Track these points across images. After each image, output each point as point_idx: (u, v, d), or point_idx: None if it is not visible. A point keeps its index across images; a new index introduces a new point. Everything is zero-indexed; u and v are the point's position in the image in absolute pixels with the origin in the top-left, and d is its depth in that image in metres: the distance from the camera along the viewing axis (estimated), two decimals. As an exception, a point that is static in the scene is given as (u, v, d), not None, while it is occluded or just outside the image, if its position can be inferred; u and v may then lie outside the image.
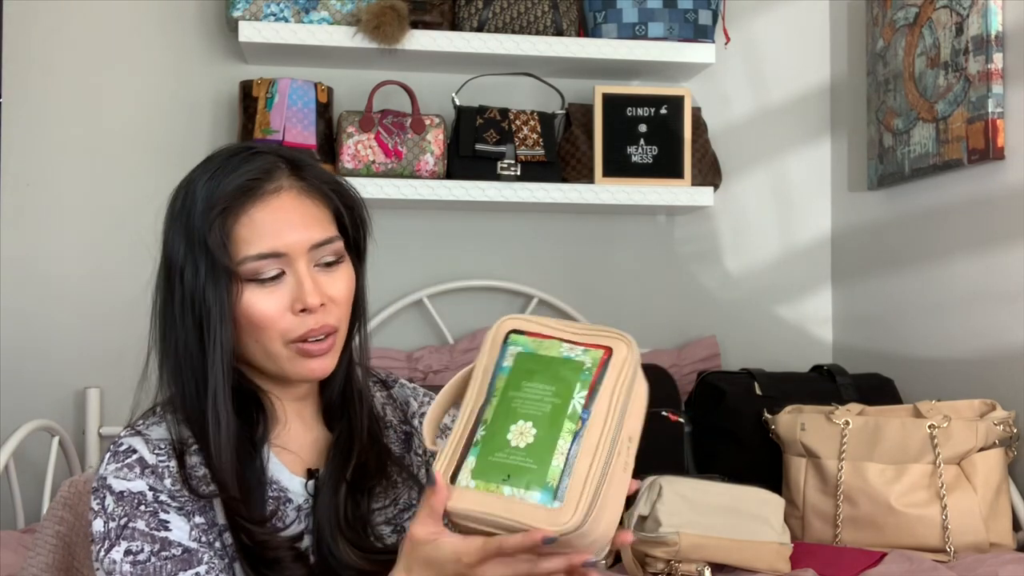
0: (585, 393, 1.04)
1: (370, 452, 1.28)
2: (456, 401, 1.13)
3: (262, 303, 1.20)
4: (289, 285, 1.21)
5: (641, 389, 1.09)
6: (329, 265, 1.23)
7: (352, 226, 1.29)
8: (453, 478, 1.05)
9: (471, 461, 1.04)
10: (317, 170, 1.28)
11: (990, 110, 2.28)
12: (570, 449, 1.02)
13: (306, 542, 1.24)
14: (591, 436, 1.02)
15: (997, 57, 2.27)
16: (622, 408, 1.04)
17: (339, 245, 1.25)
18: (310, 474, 1.26)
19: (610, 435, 1.03)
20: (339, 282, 1.24)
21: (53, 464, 2.34)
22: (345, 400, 1.30)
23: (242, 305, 1.20)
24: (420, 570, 1.07)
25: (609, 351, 1.07)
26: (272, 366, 1.23)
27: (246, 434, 1.23)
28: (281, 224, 1.21)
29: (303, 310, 1.20)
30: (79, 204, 2.63)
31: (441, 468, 1.05)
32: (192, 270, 1.20)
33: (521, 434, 1.04)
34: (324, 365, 1.24)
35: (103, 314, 2.58)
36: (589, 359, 1.07)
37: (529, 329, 1.10)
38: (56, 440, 2.35)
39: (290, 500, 1.25)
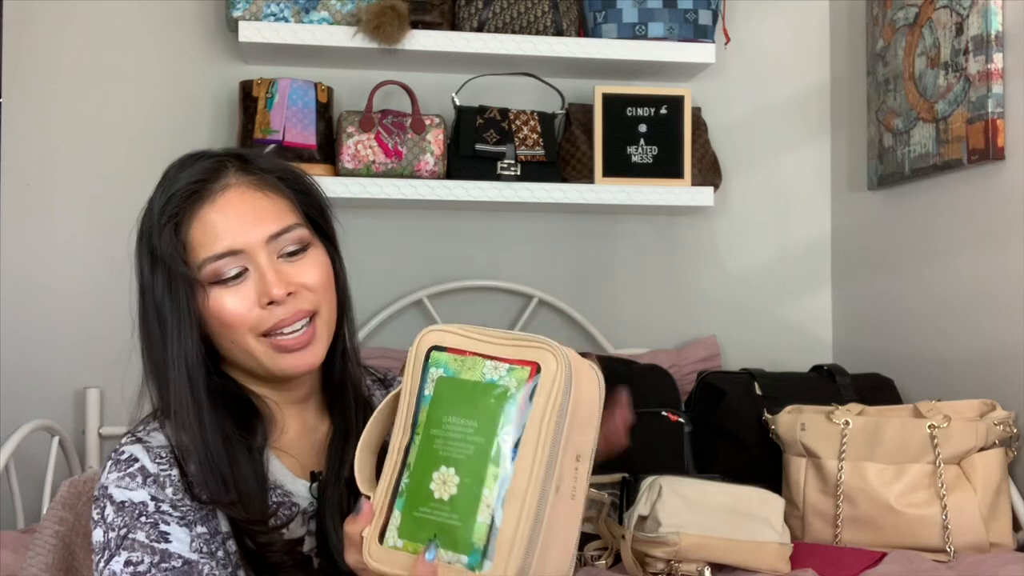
0: (510, 428, 0.97)
1: None
2: (387, 430, 1.07)
3: (228, 302, 1.19)
4: (253, 281, 1.20)
5: (586, 394, 1.00)
6: (294, 254, 1.22)
7: (313, 212, 1.27)
8: (382, 535, 1.00)
9: (396, 516, 0.99)
10: (265, 161, 1.26)
11: (990, 110, 2.28)
12: (495, 499, 0.95)
13: (308, 545, 1.24)
14: (519, 480, 0.95)
15: (997, 57, 2.27)
16: (554, 437, 0.96)
17: (301, 233, 1.23)
18: (313, 477, 1.26)
19: (541, 472, 0.95)
20: (308, 269, 1.22)
21: (53, 464, 2.33)
22: (341, 395, 1.30)
23: (211, 309, 1.19)
24: None
25: (536, 367, 0.98)
26: (254, 364, 1.22)
27: (242, 439, 1.22)
28: (233, 221, 1.20)
29: (271, 303, 1.19)
30: (79, 204, 2.63)
31: (372, 525, 1.00)
32: (156, 284, 1.20)
33: (444, 483, 0.97)
34: (308, 359, 1.22)
35: (103, 314, 2.58)
36: (514, 381, 0.98)
37: (450, 344, 1.03)
38: (56, 440, 2.35)
39: (296, 504, 1.24)
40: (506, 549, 0.94)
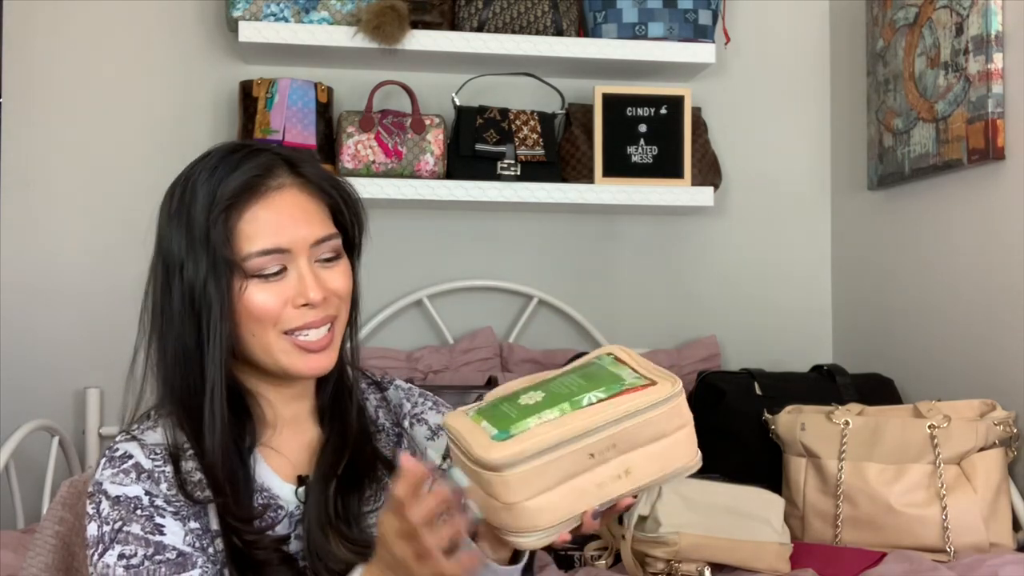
0: (604, 397, 1.09)
1: (361, 452, 1.28)
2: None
3: (262, 297, 1.21)
4: (291, 281, 1.22)
5: (679, 450, 1.12)
6: (329, 261, 1.25)
7: (349, 223, 1.30)
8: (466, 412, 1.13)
9: (484, 403, 1.13)
10: (315, 167, 1.29)
11: (990, 110, 2.28)
12: (549, 419, 1.07)
13: (295, 546, 1.24)
14: (572, 420, 1.06)
15: (997, 57, 2.27)
16: (617, 419, 1.07)
17: (338, 242, 1.26)
18: (300, 481, 1.27)
19: (587, 428, 1.06)
20: (339, 277, 1.25)
21: (53, 464, 2.34)
22: (337, 399, 1.31)
23: (244, 300, 1.21)
24: (379, 547, 1.11)
25: (652, 383, 1.11)
26: (270, 361, 1.23)
27: (238, 435, 1.23)
28: (284, 220, 1.22)
29: (304, 304, 1.21)
30: (79, 204, 2.63)
31: (473, 407, 1.14)
32: (193, 266, 1.20)
33: (530, 398, 1.10)
34: (325, 362, 1.25)
35: (103, 314, 2.58)
36: (630, 378, 1.11)
37: (621, 357, 1.17)
38: (56, 440, 2.35)
39: (281, 507, 1.25)
40: (524, 439, 1.05)
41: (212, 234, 1.20)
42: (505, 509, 1.06)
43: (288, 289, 1.22)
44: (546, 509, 1.07)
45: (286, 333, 1.22)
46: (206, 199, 1.21)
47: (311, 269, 1.22)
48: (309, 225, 1.23)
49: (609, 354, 1.17)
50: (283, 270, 1.22)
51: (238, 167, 1.23)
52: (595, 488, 1.08)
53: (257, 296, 1.21)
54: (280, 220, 1.22)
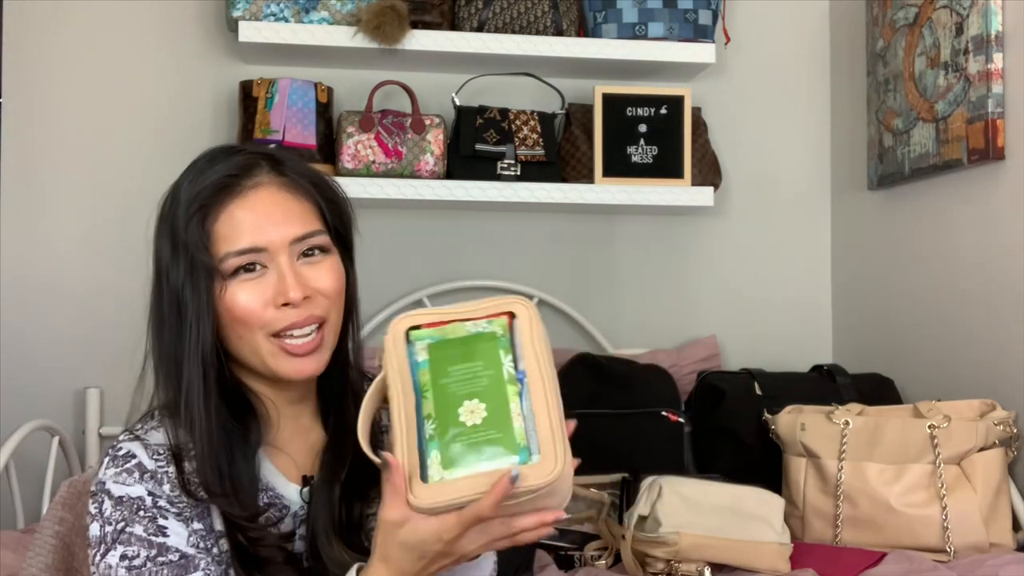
0: (510, 357, 1.07)
1: (364, 454, 1.27)
2: (380, 410, 1.13)
3: (243, 297, 1.20)
4: (271, 280, 1.21)
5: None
6: (313, 259, 1.23)
7: (336, 221, 1.28)
8: (423, 479, 1.04)
9: (434, 456, 1.04)
10: (298, 165, 1.27)
11: (990, 110, 2.28)
12: (523, 408, 1.04)
13: (299, 546, 1.24)
14: (536, 391, 1.05)
15: (997, 57, 2.27)
16: (549, 359, 1.07)
17: (323, 239, 1.24)
18: (305, 481, 1.26)
19: (551, 385, 1.05)
20: (325, 275, 1.23)
21: (53, 464, 2.34)
22: (339, 401, 1.30)
23: (225, 302, 1.20)
24: (399, 554, 1.07)
25: (511, 315, 1.09)
26: (258, 363, 1.23)
27: (240, 434, 1.23)
28: (260, 220, 1.21)
29: (285, 304, 1.20)
30: (79, 204, 2.63)
31: (406, 474, 1.04)
32: (176, 270, 1.20)
33: (472, 412, 1.04)
34: (312, 365, 1.23)
35: (103, 314, 2.58)
36: (498, 327, 1.09)
37: (425, 322, 1.11)
38: (56, 440, 2.35)
39: (286, 507, 1.25)
40: (548, 440, 1.03)
41: (187, 237, 1.19)
42: (561, 495, 1.06)
43: (268, 289, 1.20)
44: (570, 463, 1.06)
45: (274, 336, 1.21)
46: (186, 202, 1.21)
47: (291, 268, 1.21)
48: (287, 223, 1.21)
49: (413, 327, 1.10)
50: (262, 270, 1.21)
51: (215, 169, 1.22)
52: (559, 411, 1.08)
53: (238, 297, 1.20)
54: (256, 219, 1.21)
